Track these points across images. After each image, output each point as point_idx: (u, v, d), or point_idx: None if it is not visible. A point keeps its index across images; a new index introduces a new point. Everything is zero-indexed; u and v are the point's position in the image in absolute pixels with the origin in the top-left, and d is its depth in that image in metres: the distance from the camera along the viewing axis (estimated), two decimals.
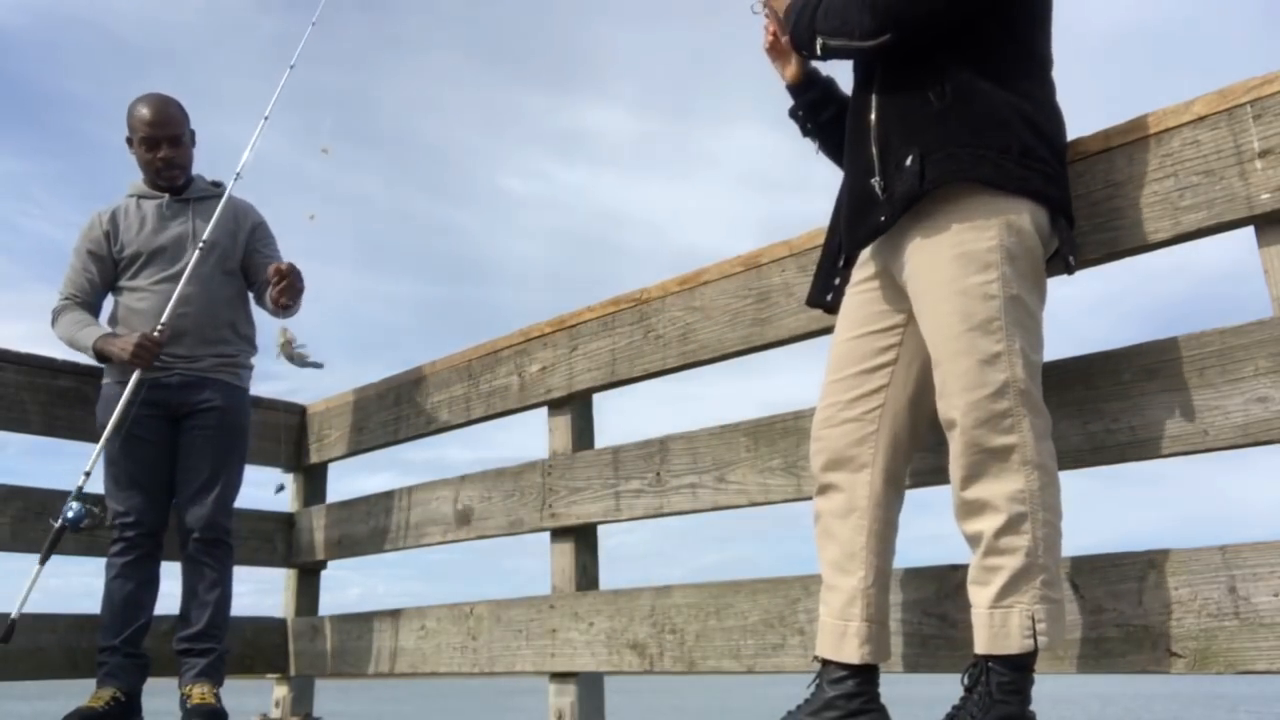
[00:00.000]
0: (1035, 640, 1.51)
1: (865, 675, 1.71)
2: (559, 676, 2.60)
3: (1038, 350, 1.62)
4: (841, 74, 1.94)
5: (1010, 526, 1.53)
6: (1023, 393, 1.56)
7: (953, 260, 1.61)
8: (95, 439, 2.92)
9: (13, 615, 2.30)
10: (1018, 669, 1.53)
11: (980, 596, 1.56)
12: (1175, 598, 1.62)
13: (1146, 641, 1.63)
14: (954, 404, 1.59)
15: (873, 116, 1.75)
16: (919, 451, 1.90)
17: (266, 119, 3.03)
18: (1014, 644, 1.52)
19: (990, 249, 1.59)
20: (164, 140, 2.87)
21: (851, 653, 1.70)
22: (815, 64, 2.02)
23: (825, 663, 1.74)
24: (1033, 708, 1.56)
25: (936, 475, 1.93)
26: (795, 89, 2.03)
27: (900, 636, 1.92)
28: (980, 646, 1.55)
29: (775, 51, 2.02)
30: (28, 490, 2.97)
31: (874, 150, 1.73)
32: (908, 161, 1.65)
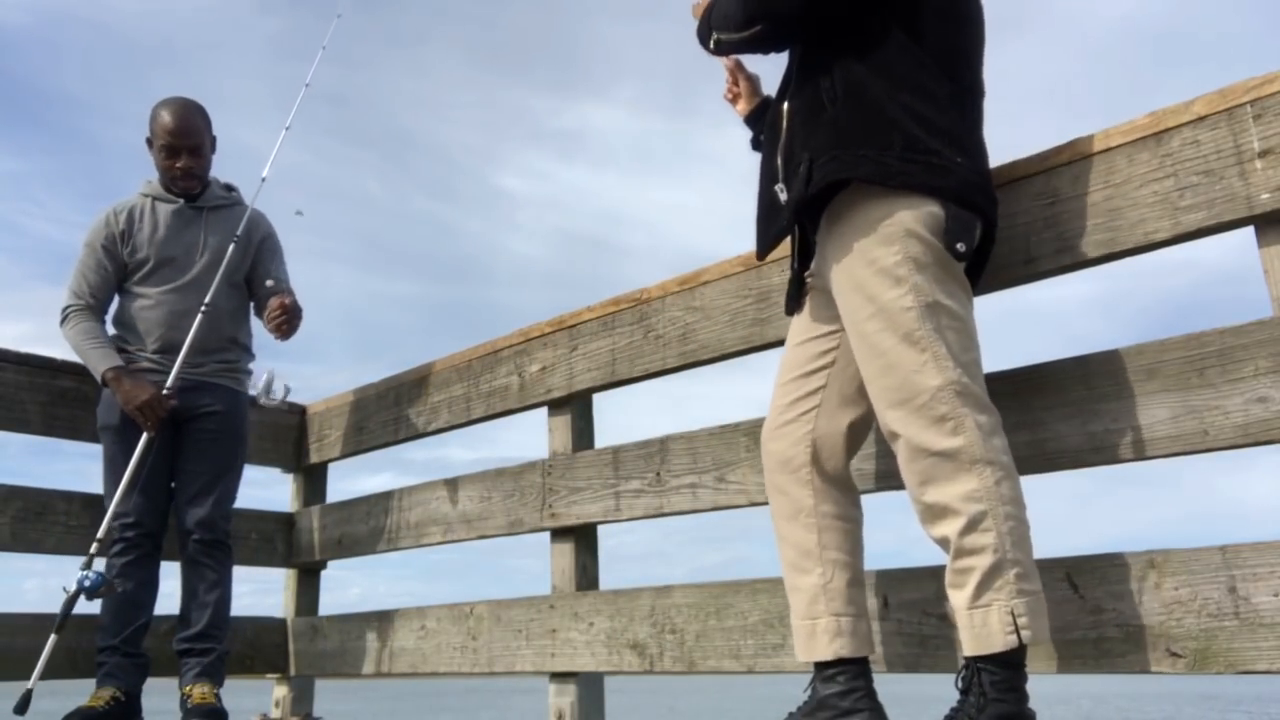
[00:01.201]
0: (1019, 635, 1.50)
1: (853, 670, 1.71)
2: (559, 676, 2.60)
3: (970, 350, 1.62)
4: None
5: (972, 526, 1.53)
6: (960, 394, 1.56)
7: (866, 280, 1.64)
8: (95, 439, 2.92)
9: (29, 685, 2.30)
10: (1009, 666, 1.53)
11: (958, 599, 1.56)
12: (1175, 598, 1.62)
13: (1146, 641, 1.64)
14: (893, 416, 1.61)
15: (784, 124, 1.81)
16: None
17: (264, 180, 3.04)
18: (997, 642, 1.51)
19: (898, 263, 1.61)
20: (185, 150, 2.85)
21: (823, 649, 1.71)
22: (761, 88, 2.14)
23: (816, 665, 1.74)
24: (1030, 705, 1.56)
25: None
26: (752, 119, 2.12)
27: (900, 636, 1.93)
28: (967, 649, 1.55)
29: (733, 97, 2.16)
30: (27, 490, 2.97)
31: (779, 158, 1.79)
32: (802, 167, 1.71)
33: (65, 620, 2.42)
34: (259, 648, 3.42)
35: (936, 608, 1.89)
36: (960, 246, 1.61)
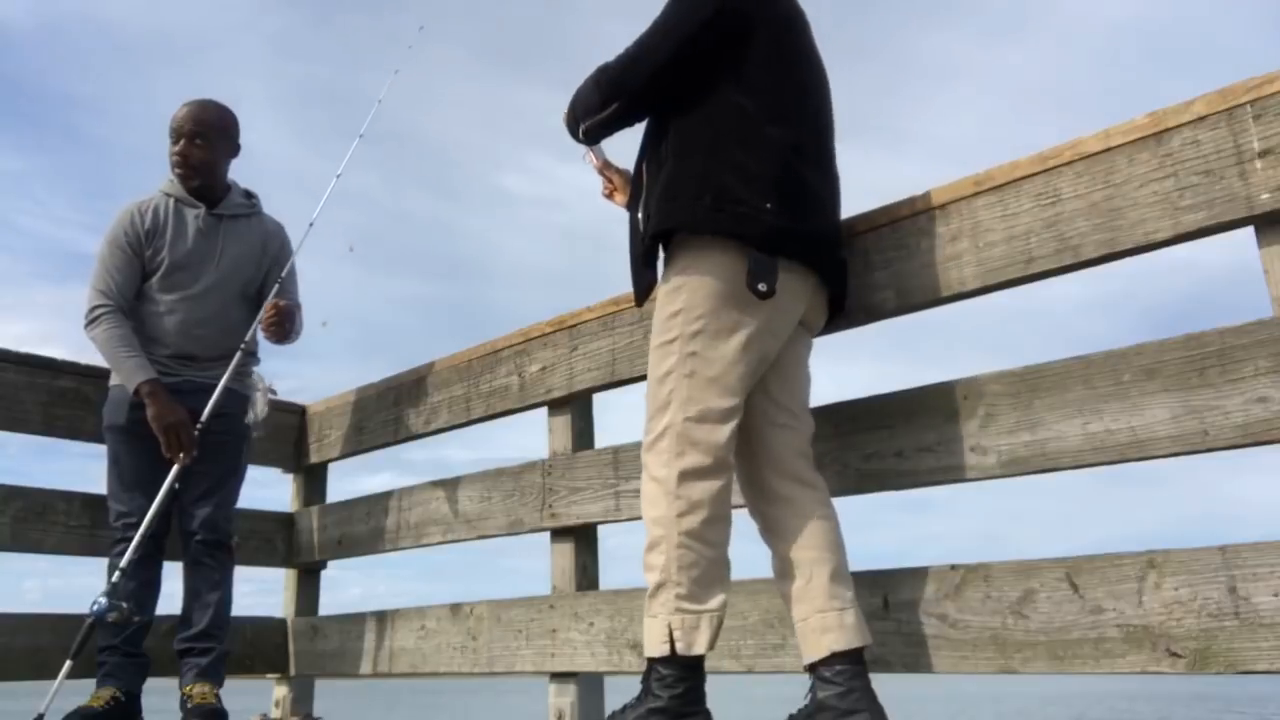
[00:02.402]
0: (672, 646, 1.71)
1: (850, 670, 1.70)
2: (559, 676, 2.60)
3: (724, 397, 1.77)
4: None
5: (651, 546, 1.76)
6: (679, 436, 1.76)
7: (655, 321, 1.86)
8: (95, 439, 2.92)
9: (40, 709, 2.29)
10: (681, 667, 1.72)
11: (647, 605, 1.77)
12: (1175, 598, 1.62)
13: (1146, 641, 1.64)
14: (644, 434, 1.83)
15: (643, 184, 1.98)
16: (918, 450, 1.94)
17: (312, 225, 3.02)
18: (655, 648, 1.73)
19: (674, 313, 1.80)
20: (184, 135, 2.85)
21: (813, 647, 1.74)
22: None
23: (811, 668, 1.75)
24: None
25: (941, 474, 1.93)
26: (631, 206, 2.27)
27: (900, 636, 1.93)
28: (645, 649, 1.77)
29: (609, 193, 2.31)
30: (27, 490, 2.97)
31: (640, 214, 1.96)
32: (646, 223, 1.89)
33: (82, 648, 2.40)
34: (259, 648, 3.42)
35: (936, 608, 1.89)
36: (761, 287, 1.75)
